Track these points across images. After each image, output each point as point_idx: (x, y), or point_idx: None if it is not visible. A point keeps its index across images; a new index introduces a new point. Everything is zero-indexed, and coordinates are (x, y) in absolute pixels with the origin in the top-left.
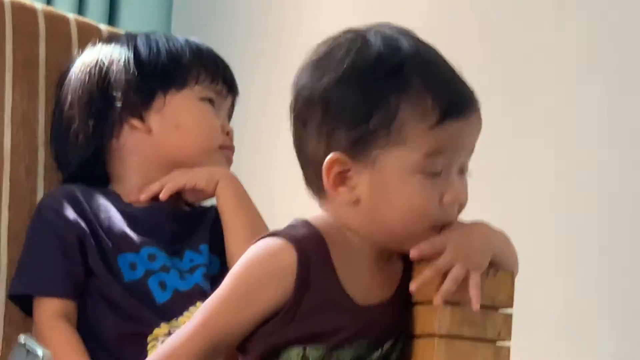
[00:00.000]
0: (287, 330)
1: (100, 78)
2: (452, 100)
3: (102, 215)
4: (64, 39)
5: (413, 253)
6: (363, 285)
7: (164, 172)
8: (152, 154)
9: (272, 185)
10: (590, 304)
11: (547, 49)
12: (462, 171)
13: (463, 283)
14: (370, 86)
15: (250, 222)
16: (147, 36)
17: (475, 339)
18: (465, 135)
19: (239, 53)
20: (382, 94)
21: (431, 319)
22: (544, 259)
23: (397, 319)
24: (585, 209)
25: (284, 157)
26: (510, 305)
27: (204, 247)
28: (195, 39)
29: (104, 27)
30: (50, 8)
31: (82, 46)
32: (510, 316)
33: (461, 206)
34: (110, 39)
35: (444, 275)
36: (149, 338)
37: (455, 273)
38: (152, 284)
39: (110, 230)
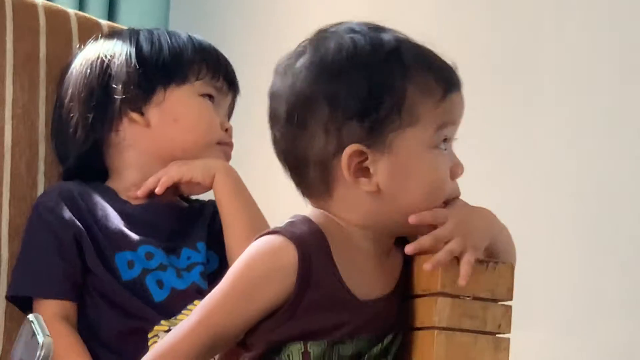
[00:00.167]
0: (289, 326)
1: (102, 72)
2: (449, 75)
3: (99, 214)
4: (64, 34)
5: (412, 219)
6: (364, 280)
7: (161, 167)
8: (150, 147)
9: (272, 183)
10: (590, 296)
11: (549, 46)
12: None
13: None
14: (375, 75)
15: (248, 214)
16: (150, 32)
17: (475, 332)
18: (460, 107)
19: (236, 49)
20: (387, 80)
21: (431, 311)
22: (543, 251)
23: (397, 313)
24: (587, 202)
25: None
26: (510, 297)
27: (201, 245)
28: (197, 35)
29: (104, 22)
30: (50, 3)
31: (82, 41)
32: (509, 308)
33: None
34: (113, 34)
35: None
36: (150, 334)
37: (452, 245)
38: (150, 282)
39: (107, 229)
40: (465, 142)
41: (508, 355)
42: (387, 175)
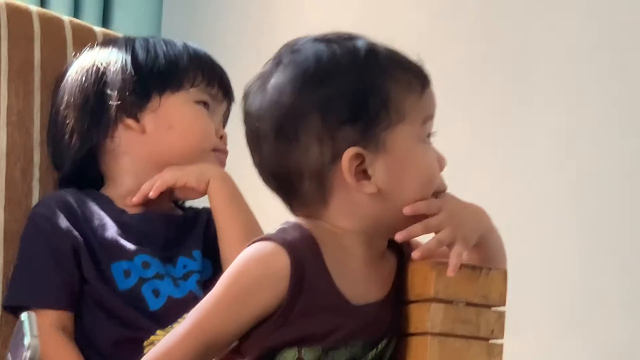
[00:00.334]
0: (282, 332)
1: (97, 79)
2: (422, 71)
3: (96, 223)
4: (59, 41)
5: (407, 210)
6: (357, 285)
7: (156, 173)
8: (145, 154)
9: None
10: (583, 302)
11: (544, 43)
12: None
13: (455, 279)
14: (358, 78)
15: (243, 220)
16: (146, 40)
17: (469, 337)
18: (434, 101)
19: (228, 57)
20: (371, 81)
21: (424, 317)
22: (540, 253)
23: (391, 318)
24: (585, 202)
25: None
26: (503, 303)
27: (197, 253)
28: (192, 43)
29: (98, 30)
30: (45, 10)
31: (77, 48)
32: (503, 314)
33: None
34: (108, 42)
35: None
36: (145, 343)
37: (442, 235)
38: (146, 291)
39: (103, 239)
40: (462, 143)
41: None
42: (384, 174)
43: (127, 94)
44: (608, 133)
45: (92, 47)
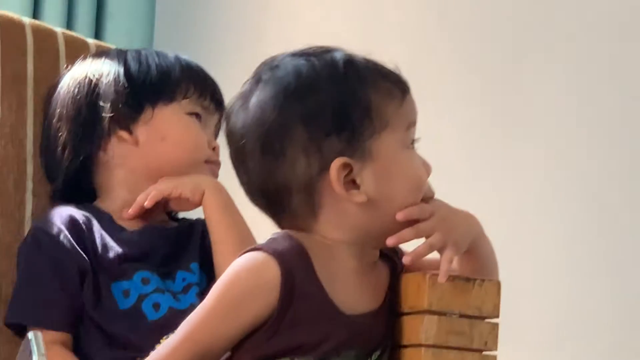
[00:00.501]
0: (274, 341)
1: (90, 91)
2: (400, 79)
3: (98, 242)
4: (51, 53)
5: (399, 215)
6: (349, 294)
7: (150, 185)
8: (138, 166)
9: None
10: (576, 313)
11: (540, 49)
12: None
13: (449, 291)
14: (340, 89)
15: (237, 231)
16: (138, 52)
17: (462, 349)
18: (415, 107)
19: (220, 68)
20: (352, 91)
21: (418, 329)
22: (530, 268)
23: (385, 328)
24: (577, 213)
25: None
26: (497, 314)
27: (194, 266)
28: (184, 55)
29: (91, 42)
30: (38, 22)
31: (69, 60)
32: (496, 326)
33: None
34: (100, 54)
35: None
36: None
37: (433, 240)
38: (146, 306)
39: (104, 259)
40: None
41: None
42: (373, 182)
43: (120, 105)
44: (600, 141)
45: (84, 59)
